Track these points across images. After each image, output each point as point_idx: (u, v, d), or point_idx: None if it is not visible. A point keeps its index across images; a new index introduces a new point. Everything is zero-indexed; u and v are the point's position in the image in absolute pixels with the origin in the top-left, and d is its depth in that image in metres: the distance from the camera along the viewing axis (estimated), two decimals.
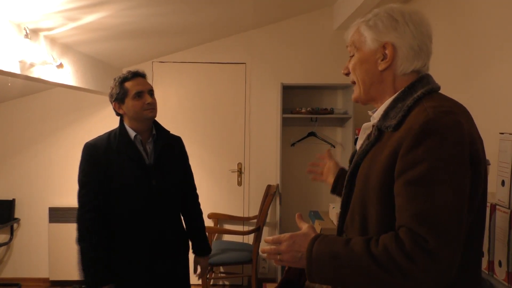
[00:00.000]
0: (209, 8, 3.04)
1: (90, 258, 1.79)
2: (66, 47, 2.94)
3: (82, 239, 1.81)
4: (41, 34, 2.56)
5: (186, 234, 2.13)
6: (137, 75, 1.93)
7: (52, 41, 2.73)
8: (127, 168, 1.86)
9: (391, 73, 1.06)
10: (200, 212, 2.21)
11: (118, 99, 1.89)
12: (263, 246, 4.01)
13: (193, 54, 4.06)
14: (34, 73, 2.49)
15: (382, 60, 1.05)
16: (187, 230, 2.14)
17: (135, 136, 1.91)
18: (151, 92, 1.93)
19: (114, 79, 1.93)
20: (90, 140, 1.91)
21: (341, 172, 1.50)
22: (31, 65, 2.42)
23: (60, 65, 2.69)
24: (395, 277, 0.87)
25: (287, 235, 1.06)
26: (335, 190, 1.50)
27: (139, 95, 1.87)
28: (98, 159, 1.85)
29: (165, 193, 1.94)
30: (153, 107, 1.91)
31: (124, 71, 1.97)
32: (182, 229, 2.10)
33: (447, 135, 0.89)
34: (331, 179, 1.53)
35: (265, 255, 1.09)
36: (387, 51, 1.04)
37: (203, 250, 2.19)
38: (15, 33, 2.28)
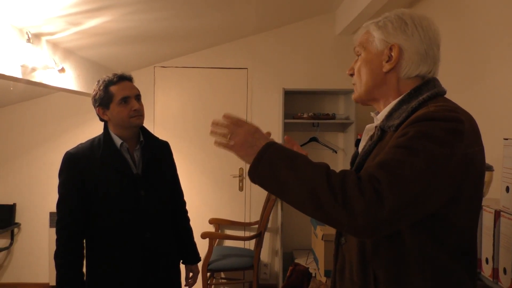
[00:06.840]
0: (211, 14, 3.05)
1: (65, 275, 1.69)
2: (68, 52, 2.95)
3: (58, 256, 1.70)
4: (43, 38, 2.57)
5: (176, 243, 2.01)
6: (124, 79, 1.79)
7: (54, 45, 2.73)
8: (113, 178, 1.73)
9: (395, 76, 1.06)
10: (187, 219, 2.11)
11: (103, 104, 1.76)
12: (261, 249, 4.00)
13: (195, 59, 4.06)
14: (36, 77, 2.49)
15: (386, 61, 1.05)
16: (176, 238, 2.02)
17: (121, 144, 1.77)
18: (138, 97, 1.80)
19: (98, 82, 1.78)
20: (71, 149, 1.78)
21: None
22: (33, 70, 2.42)
23: (62, 70, 2.69)
24: (336, 200, 0.85)
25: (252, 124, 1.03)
26: None
27: (125, 100, 1.74)
28: (79, 170, 1.72)
29: (155, 204, 1.82)
30: (140, 113, 1.78)
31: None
32: (173, 239, 1.98)
33: (442, 123, 0.89)
34: None
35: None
36: (392, 53, 1.04)
37: (193, 258, 2.10)
38: (17, 38, 2.28)
